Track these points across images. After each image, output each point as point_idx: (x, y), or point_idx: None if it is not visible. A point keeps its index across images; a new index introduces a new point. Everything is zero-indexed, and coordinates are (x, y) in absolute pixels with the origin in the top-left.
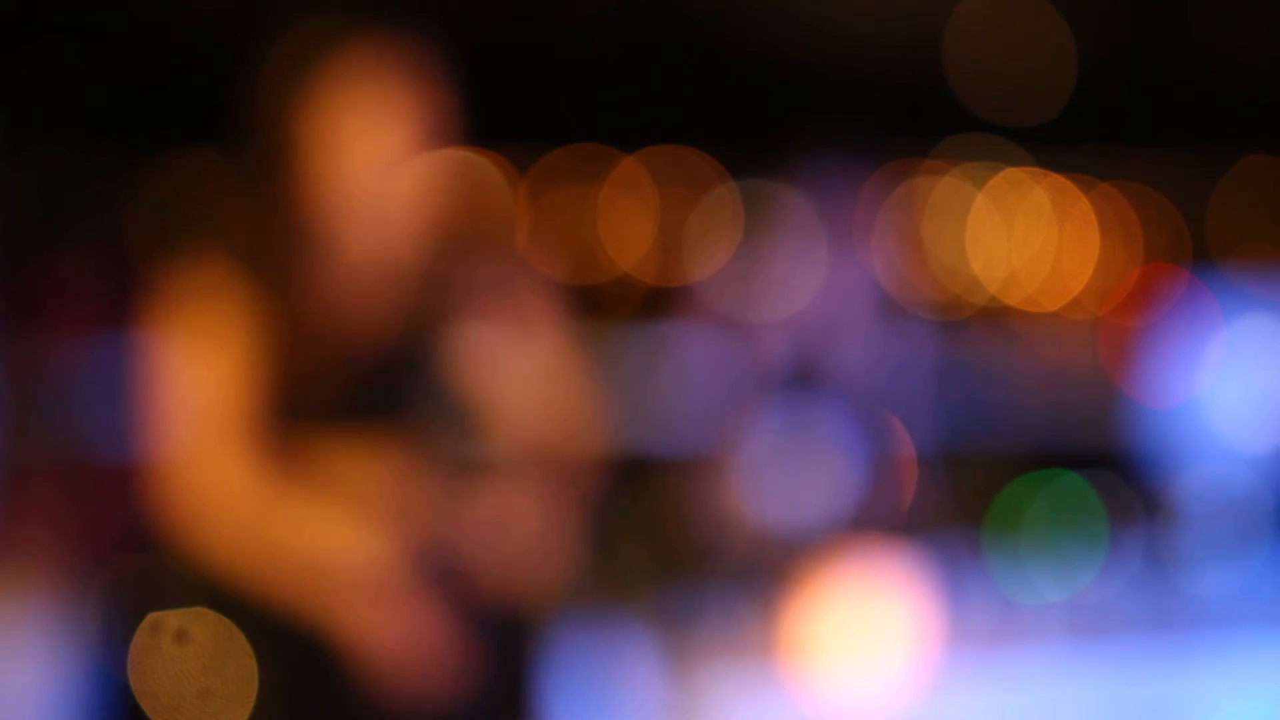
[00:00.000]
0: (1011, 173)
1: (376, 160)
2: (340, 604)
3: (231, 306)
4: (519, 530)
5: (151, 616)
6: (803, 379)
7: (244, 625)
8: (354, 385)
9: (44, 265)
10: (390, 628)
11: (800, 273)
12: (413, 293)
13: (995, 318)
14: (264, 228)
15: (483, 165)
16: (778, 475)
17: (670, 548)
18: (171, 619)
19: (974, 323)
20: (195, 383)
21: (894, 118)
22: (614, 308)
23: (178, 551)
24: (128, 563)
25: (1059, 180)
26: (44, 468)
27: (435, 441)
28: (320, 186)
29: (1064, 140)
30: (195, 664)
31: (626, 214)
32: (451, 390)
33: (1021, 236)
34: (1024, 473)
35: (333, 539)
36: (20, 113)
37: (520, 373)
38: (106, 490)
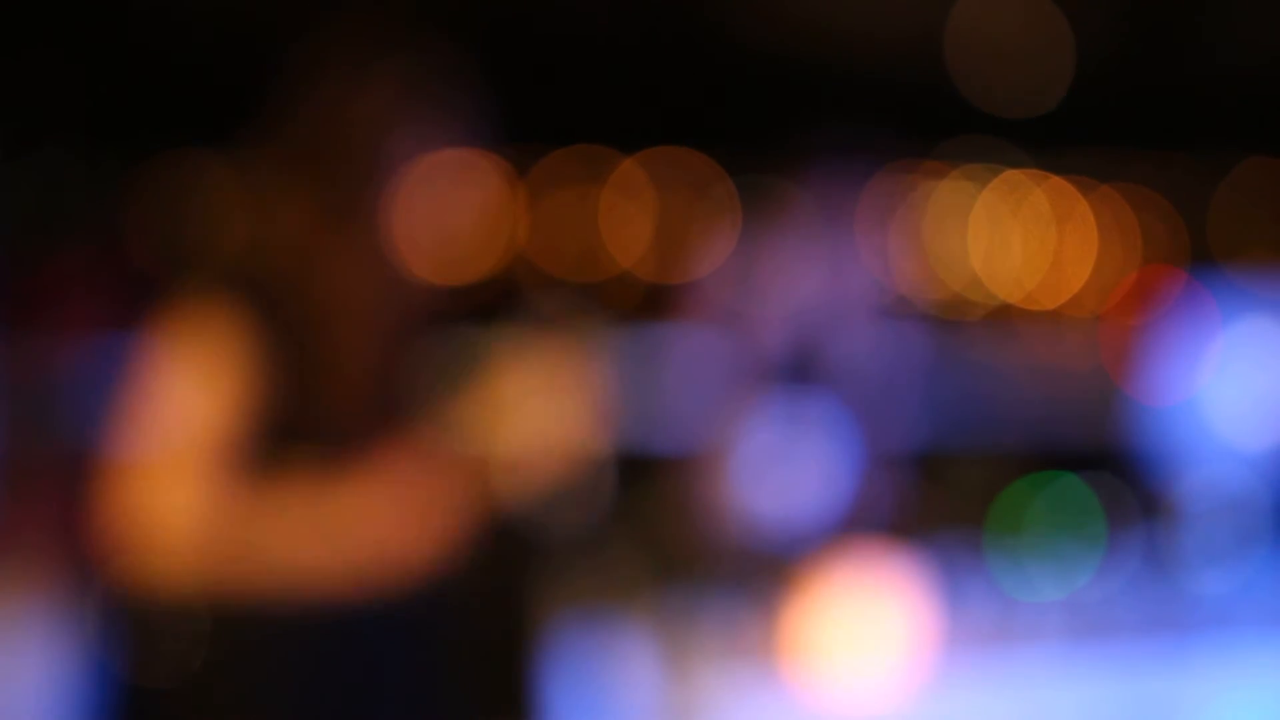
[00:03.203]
0: (1011, 174)
1: (390, 162)
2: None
3: (230, 325)
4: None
5: (151, 616)
6: (802, 377)
7: (240, 624)
8: (348, 405)
9: (44, 266)
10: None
11: (799, 271)
12: (414, 297)
13: (995, 317)
14: (271, 234)
15: (483, 167)
16: (777, 474)
17: (669, 547)
18: (172, 619)
19: (973, 322)
20: (182, 398)
21: (895, 118)
22: (614, 305)
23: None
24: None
25: (1059, 182)
26: (44, 468)
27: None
28: (332, 188)
29: (1064, 142)
30: (195, 663)
31: (626, 217)
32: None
33: (1021, 238)
34: (1024, 473)
35: (293, 561)
36: (21, 115)
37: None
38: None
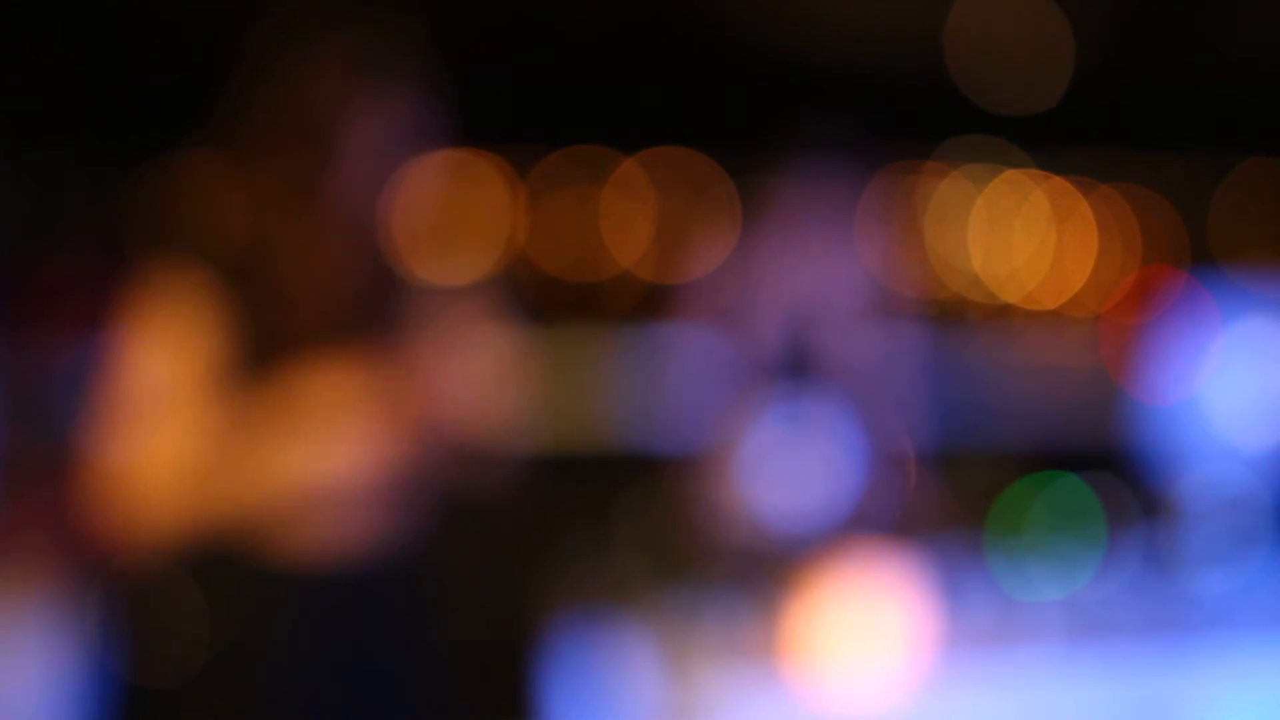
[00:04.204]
0: (1012, 174)
1: (373, 158)
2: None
3: (198, 295)
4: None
5: (150, 612)
6: (801, 378)
7: (242, 624)
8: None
9: (44, 266)
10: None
11: (799, 271)
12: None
13: (995, 317)
14: (254, 222)
15: (479, 167)
16: (777, 474)
17: (670, 547)
18: (170, 614)
19: (974, 322)
20: (157, 362)
21: (895, 118)
22: (614, 305)
23: (132, 541)
24: (127, 563)
25: (1059, 182)
26: (44, 467)
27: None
28: (316, 181)
29: (1064, 142)
30: (195, 659)
31: (626, 216)
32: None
33: (1021, 238)
34: (1024, 473)
35: (303, 460)
36: (19, 116)
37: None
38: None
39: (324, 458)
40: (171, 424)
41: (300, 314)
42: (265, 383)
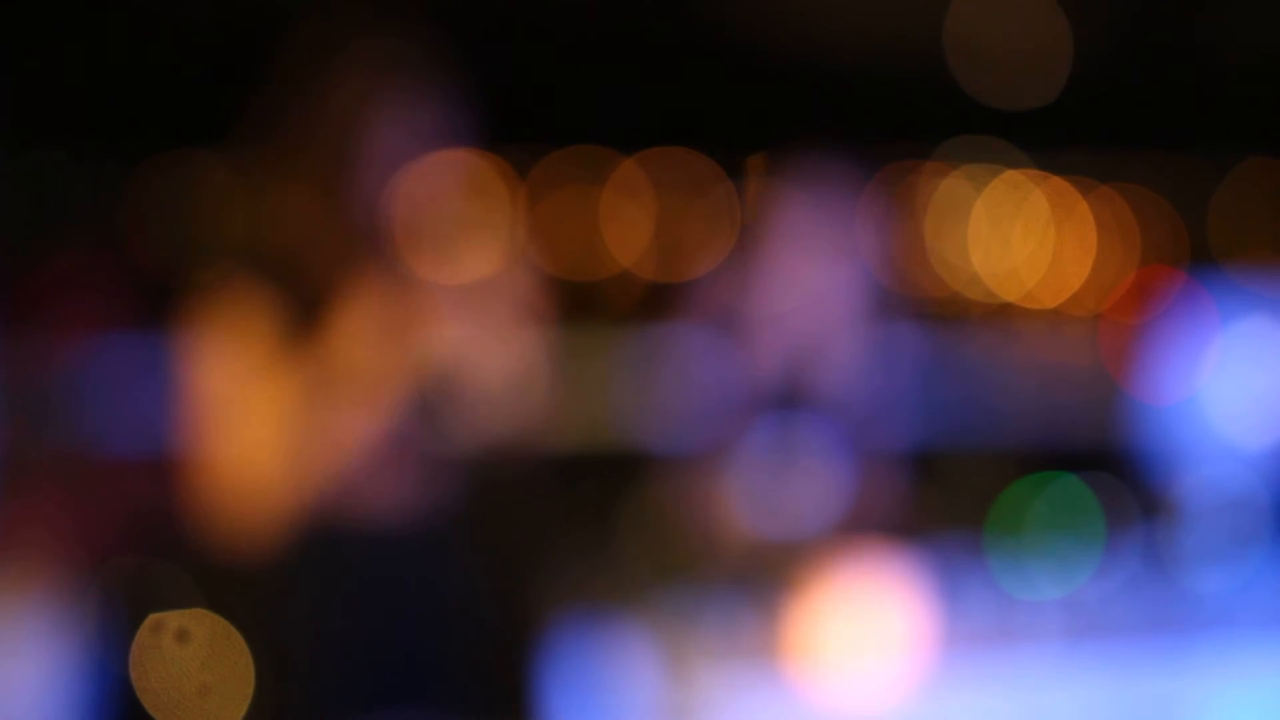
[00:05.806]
0: (1012, 174)
1: (381, 159)
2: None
3: (254, 305)
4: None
5: (152, 616)
6: (801, 377)
7: (242, 624)
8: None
9: (44, 266)
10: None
11: (798, 271)
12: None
13: (994, 317)
14: (270, 227)
15: (483, 168)
16: (777, 474)
17: (669, 547)
18: (171, 618)
19: (973, 322)
20: (233, 370)
21: (895, 118)
22: (614, 304)
23: (193, 544)
24: (128, 563)
25: (1059, 182)
26: (44, 468)
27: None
28: (325, 185)
29: (1064, 142)
30: (194, 662)
31: (626, 216)
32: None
33: (1020, 239)
34: (1024, 474)
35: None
36: (20, 115)
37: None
38: (107, 490)
39: (357, 435)
40: (256, 414)
41: (328, 305)
42: (304, 372)
